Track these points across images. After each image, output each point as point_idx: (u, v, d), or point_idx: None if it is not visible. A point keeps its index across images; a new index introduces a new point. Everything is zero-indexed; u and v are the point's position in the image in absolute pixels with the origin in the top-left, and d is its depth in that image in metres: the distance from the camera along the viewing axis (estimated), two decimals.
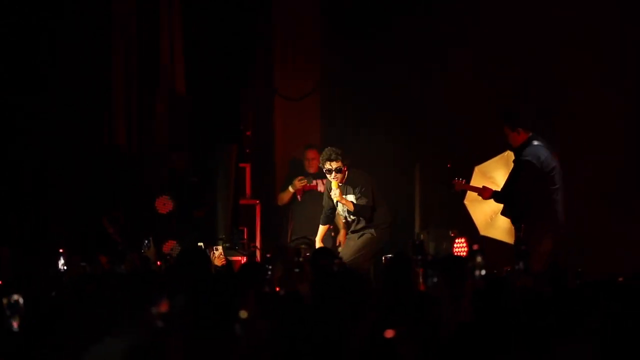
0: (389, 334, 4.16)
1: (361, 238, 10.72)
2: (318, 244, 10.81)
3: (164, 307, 4.79)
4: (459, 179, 10.21)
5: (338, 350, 4.58)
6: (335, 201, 10.72)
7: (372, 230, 10.71)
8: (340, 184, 10.66)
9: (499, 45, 12.36)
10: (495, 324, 4.95)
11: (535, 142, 9.88)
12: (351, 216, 10.77)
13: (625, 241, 11.41)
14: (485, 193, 10.13)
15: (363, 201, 10.60)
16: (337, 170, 10.64)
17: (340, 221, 11.33)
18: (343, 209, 10.78)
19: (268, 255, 7.48)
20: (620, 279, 6.74)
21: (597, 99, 11.84)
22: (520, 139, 9.91)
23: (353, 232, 10.80)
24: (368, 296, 5.18)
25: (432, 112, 11.43)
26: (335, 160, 10.62)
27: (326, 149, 10.71)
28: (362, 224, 10.73)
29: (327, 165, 10.65)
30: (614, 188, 11.79)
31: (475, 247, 6.05)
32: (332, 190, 10.63)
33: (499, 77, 12.25)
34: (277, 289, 6.91)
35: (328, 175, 10.70)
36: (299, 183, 12.09)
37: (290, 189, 12.12)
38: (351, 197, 10.69)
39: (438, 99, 12.00)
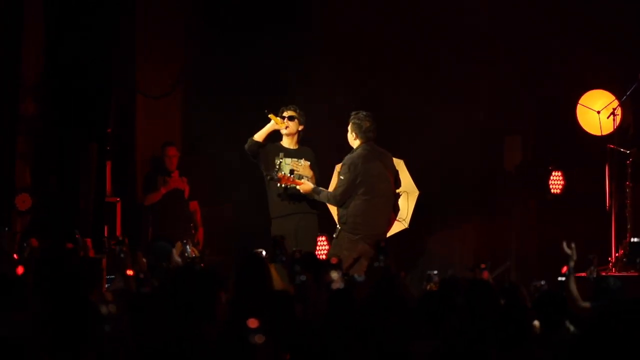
0: (253, 323, 4.16)
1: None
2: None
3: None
4: (285, 175, 10.15)
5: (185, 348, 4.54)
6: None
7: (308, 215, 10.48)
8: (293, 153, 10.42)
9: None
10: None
11: (362, 150, 10.10)
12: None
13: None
14: (305, 188, 10.17)
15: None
16: (290, 118, 10.40)
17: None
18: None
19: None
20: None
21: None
22: (353, 142, 10.17)
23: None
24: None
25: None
26: (294, 110, 10.43)
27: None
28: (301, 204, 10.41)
29: (284, 113, 10.43)
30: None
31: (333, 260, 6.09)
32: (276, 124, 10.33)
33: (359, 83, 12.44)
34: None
35: (284, 121, 10.39)
36: (172, 182, 12.05)
37: (163, 189, 12.04)
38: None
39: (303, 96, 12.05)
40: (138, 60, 12.75)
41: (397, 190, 10.40)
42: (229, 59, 12.69)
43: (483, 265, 6.82)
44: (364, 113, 10.18)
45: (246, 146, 10.50)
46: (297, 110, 10.50)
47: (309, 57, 12.60)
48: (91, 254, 9.00)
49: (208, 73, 12.83)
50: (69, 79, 11.59)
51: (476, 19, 12.44)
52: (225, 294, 6.35)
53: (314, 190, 10.17)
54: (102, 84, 11.98)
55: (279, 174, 10.14)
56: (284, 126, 10.43)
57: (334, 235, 10.19)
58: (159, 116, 13.02)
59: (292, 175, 10.17)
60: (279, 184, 10.22)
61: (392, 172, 10.30)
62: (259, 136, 10.44)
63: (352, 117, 10.20)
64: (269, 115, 10.38)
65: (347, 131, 10.24)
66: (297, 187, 10.20)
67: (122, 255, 7.87)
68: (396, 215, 10.37)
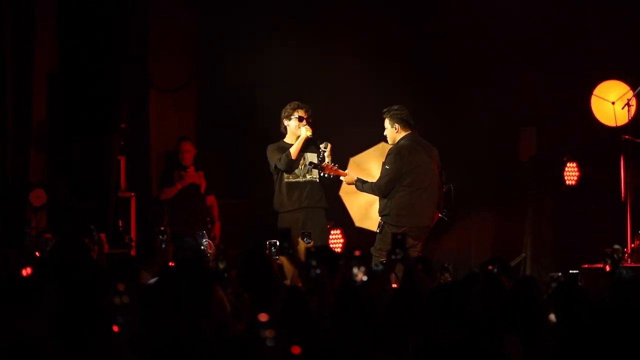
0: (263, 317, 4.14)
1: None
2: None
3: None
4: (328, 164, 10.16)
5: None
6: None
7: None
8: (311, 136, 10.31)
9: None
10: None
11: (407, 141, 10.01)
12: (314, 170, 10.27)
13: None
14: (349, 179, 10.14)
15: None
16: (308, 122, 10.29)
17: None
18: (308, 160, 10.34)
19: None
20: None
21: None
22: (396, 136, 10.05)
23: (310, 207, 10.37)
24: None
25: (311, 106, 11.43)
26: (305, 110, 10.32)
27: (290, 103, 10.41)
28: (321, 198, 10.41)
29: (298, 113, 10.32)
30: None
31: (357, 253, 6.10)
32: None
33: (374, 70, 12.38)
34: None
35: (299, 123, 10.30)
36: (188, 177, 12.04)
37: (178, 184, 12.04)
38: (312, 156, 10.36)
39: (317, 90, 12.04)
40: (151, 54, 12.75)
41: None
42: (243, 53, 12.66)
43: (490, 267, 6.81)
44: (396, 106, 10.10)
45: (285, 166, 10.28)
46: (309, 111, 10.39)
47: (324, 50, 12.59)
48: (105, 249, 9.00)
49: (223, 67, 12.80)
50: (82, 74, 11.61)
51: (490, 9, 12.38)
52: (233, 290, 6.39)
53: (357, 180, 10.10)
54: (116, 79, 12.00)
55: (323, 164, 10.07)
56: (311, 132, 10.34)
57: (378, 230, 10.02)
58: (173, 111, 13.04)
59: (335, 165, 10.12)
60: (321, 173, 10.16)
61: (437, 165, 10.18)
62: (294, 153, 10.27)
63: (385, 113, 10.10)
64: (309, 134, 10.24)
65: (384, 129, 10.12)
66: (341, 177, 10.16)
67: (163, 245, 7.87)
68: (439, 209, 10.18)
